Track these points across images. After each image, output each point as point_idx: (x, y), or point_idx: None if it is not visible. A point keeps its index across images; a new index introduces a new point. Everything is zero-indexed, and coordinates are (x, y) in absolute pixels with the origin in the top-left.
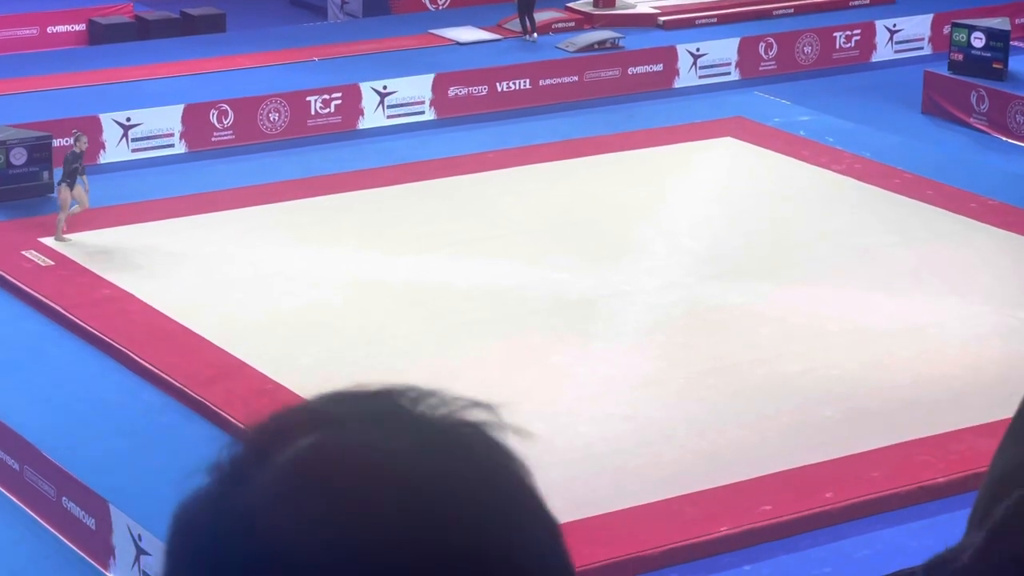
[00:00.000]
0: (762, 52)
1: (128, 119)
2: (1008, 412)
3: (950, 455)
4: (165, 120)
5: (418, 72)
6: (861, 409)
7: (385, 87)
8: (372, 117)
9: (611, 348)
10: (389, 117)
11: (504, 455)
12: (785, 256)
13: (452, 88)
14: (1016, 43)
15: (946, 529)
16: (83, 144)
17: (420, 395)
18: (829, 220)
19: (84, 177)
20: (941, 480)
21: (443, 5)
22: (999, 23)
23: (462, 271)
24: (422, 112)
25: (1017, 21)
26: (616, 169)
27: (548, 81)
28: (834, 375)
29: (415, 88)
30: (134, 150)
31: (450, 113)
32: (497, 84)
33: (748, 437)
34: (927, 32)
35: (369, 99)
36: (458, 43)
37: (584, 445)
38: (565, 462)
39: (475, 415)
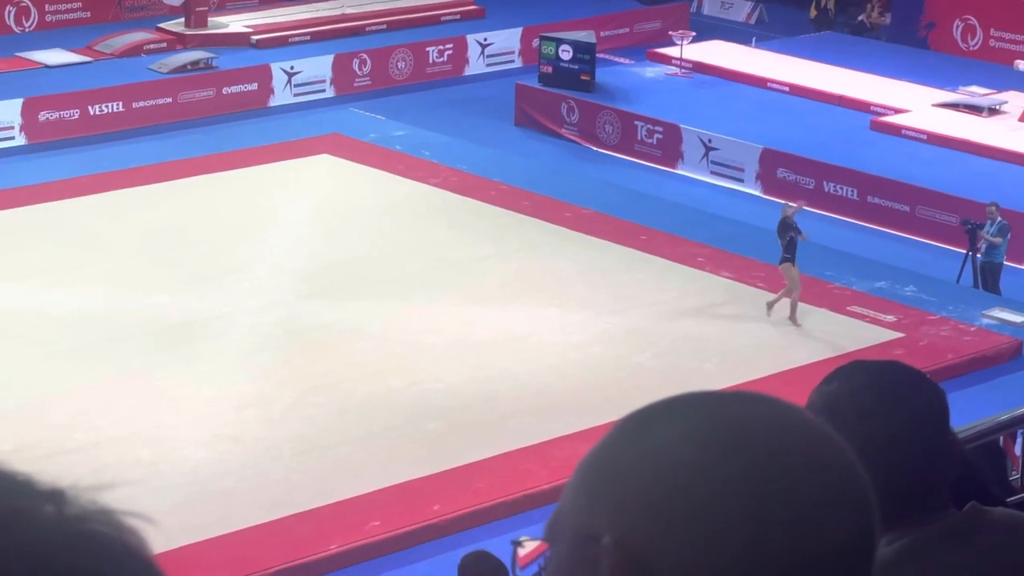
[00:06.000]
0: (356, 68)
1: None
2: (605, 417)
3: (552, 462)
4: None
5: (6, 97)
6: (464, 421)
7: None
8: None
9: (214, 370)
10: None
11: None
12: (384, 271)
13: (43, 112)
14: (602, 55)
15: None
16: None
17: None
18: (427, 233)
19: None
20: (545, 487)
21: (30, 27)
22: (585, 36)
23: (58, 299)
24: (12, 138)
25: (602, 34)
26: (213, 190)
27: (142, 103)
28: (437, 388)
29: (4, 113)
30: None
31: (42, 138)
32: (89, 107)
33: (354, 453)
34: (517, 46)
35: None
36: (47, 66)
37: (190, 469)
38: (171, 487)
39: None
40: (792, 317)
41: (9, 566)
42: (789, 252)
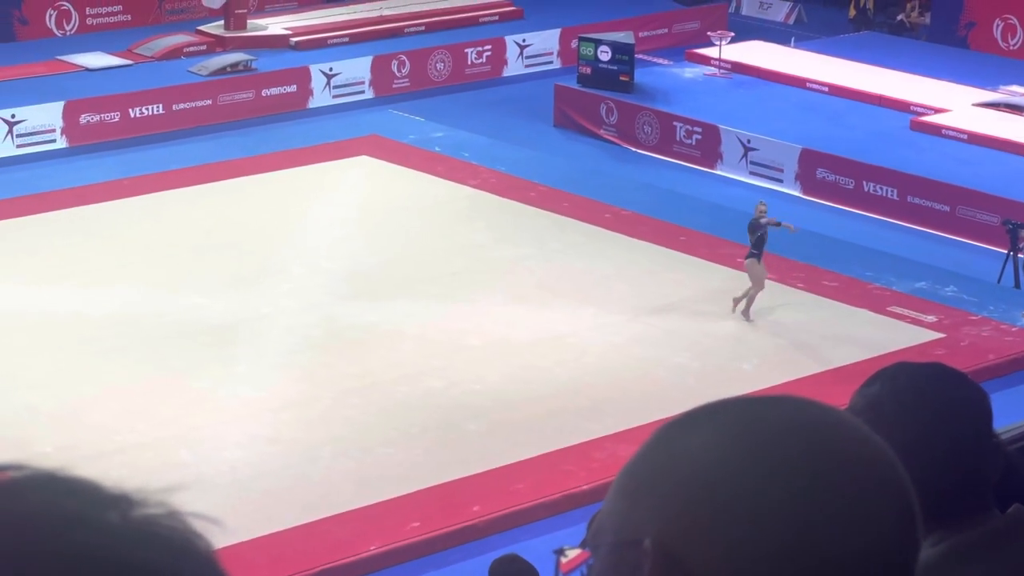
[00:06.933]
0: (395, 70)
1: None
2: (645, 418)
3: (592, 463)
4: None
5: (47, 100)
6: (504, 422)
7: (13, 116)
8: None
9: (253, 371)
10: (19, 147)
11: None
12: (423, 272)
13: (84, 115)
14: (640, 56)
15: None
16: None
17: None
18: (466, 234)
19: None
20: (585, 488)
21: (71, 31)
22: (624, 37)
23: (97, 300)
24: (53, 140)
25: (641, 35)
26: (253, 192)
27: (182, 105)
28: (476, 389)
29: (45, 116)
30: None
31: (83, 141)
32: (130, 110)
33: (394, 455)
34: (556, 47)
35: None
36: (88, 69)
37: (230, 470)
38: (211, 488)
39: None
40: (745, 311)
41: (73, 568)
42: (757, 248)
